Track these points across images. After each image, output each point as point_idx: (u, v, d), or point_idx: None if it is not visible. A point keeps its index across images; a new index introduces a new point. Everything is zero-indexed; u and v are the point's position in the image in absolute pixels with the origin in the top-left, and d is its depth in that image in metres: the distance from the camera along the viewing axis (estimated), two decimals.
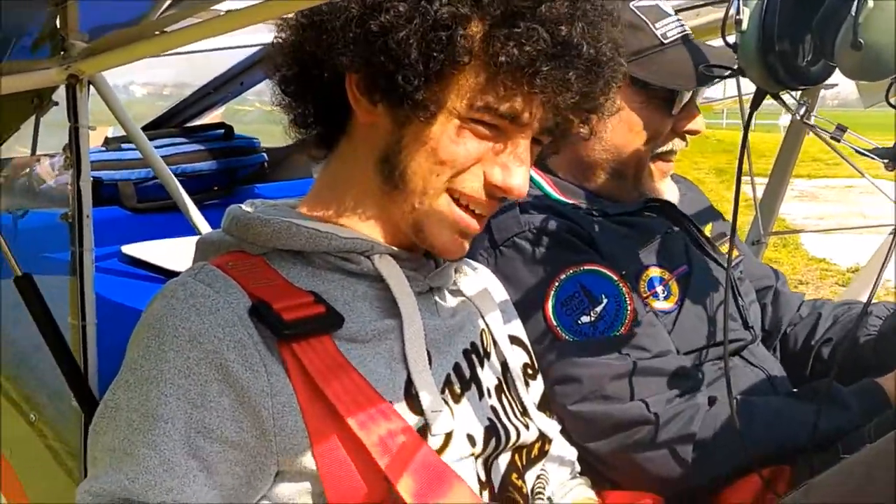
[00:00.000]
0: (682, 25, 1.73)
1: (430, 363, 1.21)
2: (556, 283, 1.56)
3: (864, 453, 1.08)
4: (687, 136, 1.78)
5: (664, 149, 1.76)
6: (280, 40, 1.24)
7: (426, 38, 1.09)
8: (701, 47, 1.71)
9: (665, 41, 1.69)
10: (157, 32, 1.14)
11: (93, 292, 1.38)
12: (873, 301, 1.61)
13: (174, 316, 1.07)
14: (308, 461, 1.08)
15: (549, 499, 1.38)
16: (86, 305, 1.36)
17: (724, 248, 1.90)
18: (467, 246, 1.27)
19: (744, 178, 1.44)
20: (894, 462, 0.98)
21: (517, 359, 1.43)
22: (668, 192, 1.81)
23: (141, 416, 1.03)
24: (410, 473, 1.08)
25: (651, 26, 1.69)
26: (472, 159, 1.17)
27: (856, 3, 1.14)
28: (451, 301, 1.35)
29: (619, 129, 1.71)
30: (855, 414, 1.45)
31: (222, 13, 1.05)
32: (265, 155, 2.30)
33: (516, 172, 1.18)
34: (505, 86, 1.13)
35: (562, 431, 1.52)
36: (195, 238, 1.33)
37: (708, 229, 1.95)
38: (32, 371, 1.62)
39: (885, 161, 1.30)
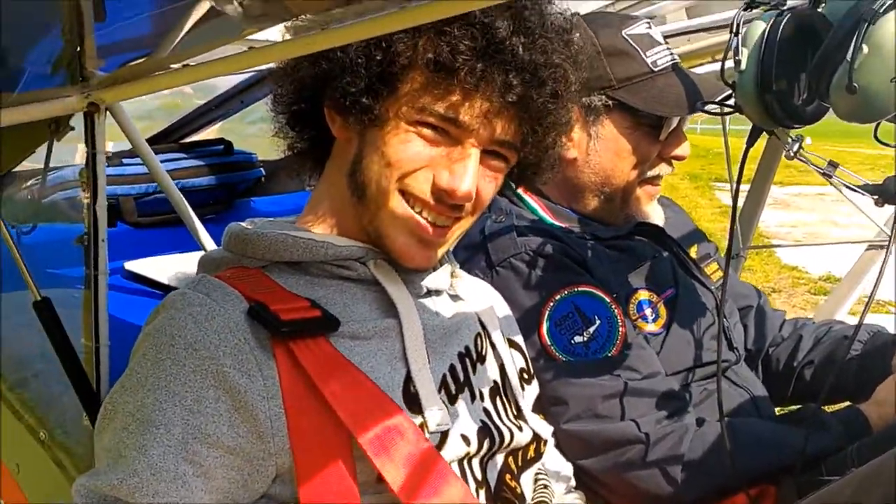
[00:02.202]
0: (672, 54, 1.78)
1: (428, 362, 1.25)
2: (552, 304, 1.60)
3: (850, 477, 1.13)
4: (673, 161, 1.82)
5: (651, 173, 1.81)
6: (279, 68, 1.30)
7: (367, 43, 1.17)
8: (690, 76, 1.76)
9: (655, 69, 1.73)
10: (179, 65, 1.16)
11: (106, 314, 1.40)
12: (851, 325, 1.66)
13: (172, 325, 1.11)
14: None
15: None
16: (99, 327, 1.38)
17: (709, 270, 1.96)
18: (433, 256, 1.30)
19: (722, 187, 1.49)
20: (881, 486, 1.03)
21: (515, 362, 1.48)
22: (655, 215, 1.86)
23: (136, 421, 1.07)
24: (407, 468, 1.12)
25: (642, 54, 1.73)
26: (419, 161, 1.22)
27: (852, 48, 1.19)
28: (447, 304, 1.39)
29: (608, 153, 1.75)
30: (839, 438, 1.50)
31: (246, 49, 1.07)
32: (263, 170, 2.32)
33: (462, 176, 1.22)
34: (441, 86, 1.18)
35: (556, 447, 1.57)
36: (198, 253, 1.36)
37: (693, 250, 2.00)
38: (41, 389, 1.64)
39: (875, 197, 1.35)
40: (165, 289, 1.77)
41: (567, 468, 1.57)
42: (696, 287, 1.84)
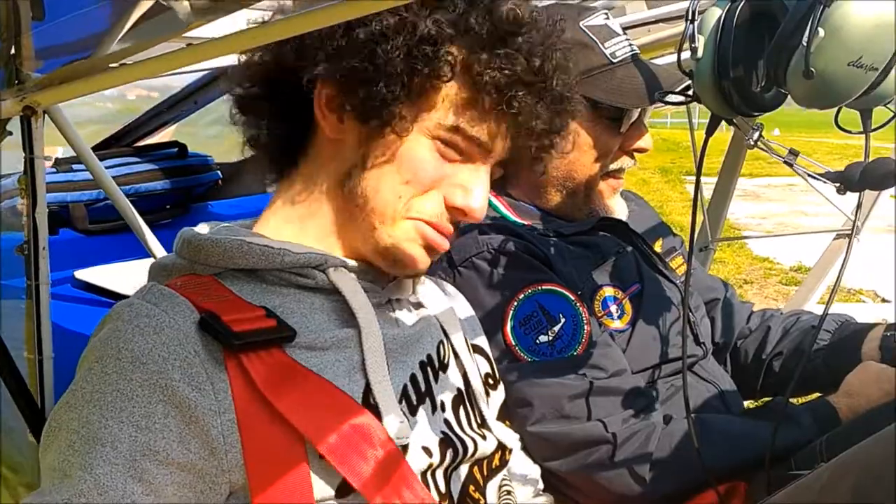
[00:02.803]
0: (631, 45, 1.76)
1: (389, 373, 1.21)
2: (515, 303, 1.58)
3: (819, 471, 1.11)
4: (635, 154, 1.81)
5: (614, 167, 1.79)
6: (246, 58, 1.24)
7: (412, 50, 1.12)
8: (650, 66, 1.74)
9: (614, 60, 1.71)
10: (116, 64, 1.12)
11: (49, 325, 1.36)
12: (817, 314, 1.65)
13: (118, 338, 1.06)
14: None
15: None
16: (42, 339, 1.33)
17: (674, 264, 1.94)
18: (431, 261, 1.28)
19: (692, 180, 1.47)
20: (851, 476, 1.01)
21: (479, 369, 1.45)
22: (619, 209, 1.84)
23: (81, 438, 1.02)
24: (374, 471, 1.09)
25: (600, 45, 1.71)
26: (433, 179, 1.19)
27: (807, 32, 1.17)
28: (409, 312, 1.36)
29: (568, 147, 1.73)
30: (808, 431, 1.48)
31: (184, 46, 1.03)
32: (219, 172, 2.28)
33: (476, 195, 1.21)
34: (483, 107, 1.17)
35: (522, 450, 1.54)
36: (149, 260, 1.31)
37: (658, 245, 1.99)
38: None
39: (837, 185, 1.33)
40: (116, 297, 1.73)
41: (535, 471, 1.53)
42: (661, 282, 1.82)
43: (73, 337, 1.52)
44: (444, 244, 1.24)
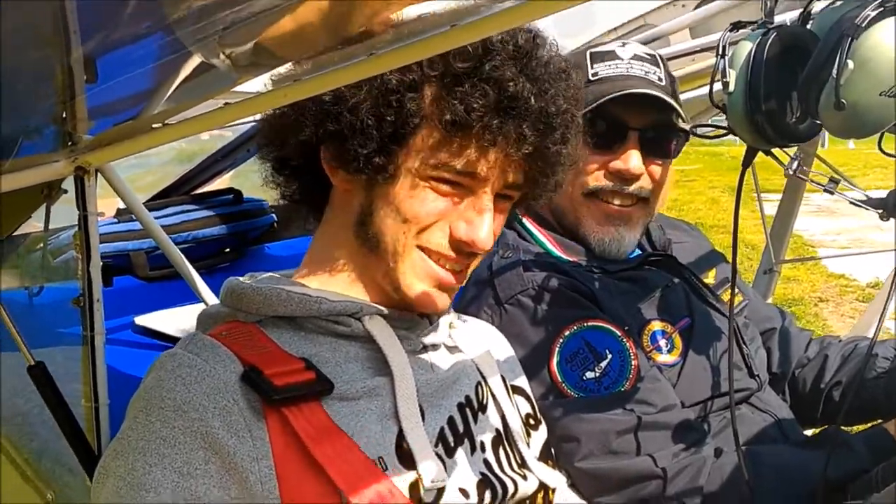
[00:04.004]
0: (630, 66, 1.74)
1: (423, 418, 1.24)
2: (561, 340, 1.58)
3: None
4: (623, 176, 1.73)
5: (593, 186, 1.75)
6: (265, 120, 1.31)
7: (377, 103, 1.16)
8: (630, 80, 1.71)
9: (592, 79, 1.72)
10: (159, 125, 1.17)
11: (105, 373, 1.41)
12: (879, 340, 1.62)
13: (161, 387, 1.11)
14: None
15: None
16: (98, 387, 1.39)
17: (727, 295, 1.92)
18: (448, 300, 1.30)
19: (765, 198, 1.45)
20: None
21: (519, 410, 1.46)
22: (616, 242, 1.78)
23: (127, 485, 1.06)
24: None
25: (589, 66, 1.73)
26: (435, 215, 1.22)
27: (836, 64, 1.16)
28: (445, 356, 1.38)
29: None
30: (863, 459, 1.45)
31: (221, 105, 1.08)
32: (274, 216, 2.33)
33: (479, 226, 1.23)
34: (456, 143, 1.18)
35: (571, 486, 1.54)
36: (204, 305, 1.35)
37: (711, 275, 1.96)
38: (46, 448, 1.65)
39: (880, 211, 1.32)
40: (175, 341, 1.78)
41: None
42: (711, 314, 1.80)
43: (132, 381, 1.56)
44: (448, 278, 1.26)
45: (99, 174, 1.45)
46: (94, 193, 1.35)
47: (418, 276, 1.25)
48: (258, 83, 1.17)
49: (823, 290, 8.31)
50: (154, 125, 1.18)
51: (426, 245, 1.23)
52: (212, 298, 1.66)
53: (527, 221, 1.83)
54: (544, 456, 1.49)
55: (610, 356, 1.57)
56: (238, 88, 1.25)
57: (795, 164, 1.38)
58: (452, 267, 1.26)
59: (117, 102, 1.43)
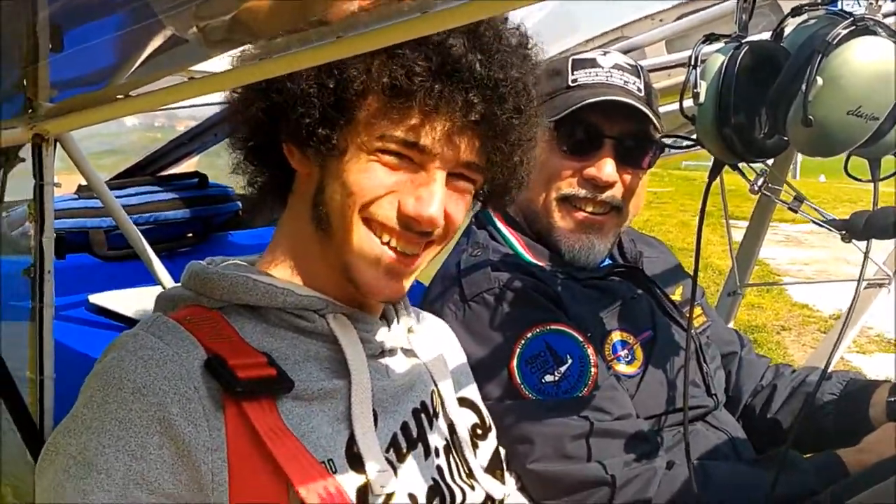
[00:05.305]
0: (609, 75, 1.74)
1: (376, 423, 1.22)
2: (523, 341, 1.58)
3: None
4: (597, 183, 1.73)
5: (566, 192, 1.75)
6: (230, 102, 1.27)
7: (319, 71, 1.14)
8: (608, 89, 1.72)
9: (572, 85, 1.72)
10: (123, 96, 1.15)
11: (52, 346, 1.38)
12: (830, 369, 1.63)
13: (121, 368, 1.08)
14: None
15: None
16: (44, 359, 1.36)
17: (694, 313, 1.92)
18: (402, 288, 1.26)
19: (734, 224, 1.46)
20: None
21: (466, 421, 1.44)
22: (584, 248, 1.77)
23: (77, 464, 1.04)
24: None
25: (569, 73, 1.74)
26: (382, 189, 1.18)
27: (805, 81, 1.16)
28: (402, 362, 1.36)
29: None
30: (811, 481, 1.46)
31: (187, 80, 1.06)
32: (239, 203, 2.31)
33: (428, 201, 1.18)
34: (397, 109, 1.15)
35: (521, 489, 1.53)
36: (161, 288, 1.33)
37: (678, 290, 1.97)
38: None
39: (842, 233, 1.32)
40: (129, 322, 1.76)
41: None
42: (673, 329, 1.80)
43: (83, 359, 1.54)
44: (397, 261, 1.22)
45: (60, 147, 1.42)
46: (51, 164, 1.32)
47: (366, 259, 1.20)
48: (224, 64, 1.15)
49: (787, 319, 8.37)
50: (117, 96, 1.15)
51: (372, 217, 1.19)
52: (169, 282, 1.64)
53: (499, 223, 1.82)
54: (492, 467, 1.47)
55: (570, 361, 1.57)
56: (202, 67, 1.23)
57: (761, 180, 1.38)
58: (403, 248, 1.22)
59: (85, 77, 1.40)
